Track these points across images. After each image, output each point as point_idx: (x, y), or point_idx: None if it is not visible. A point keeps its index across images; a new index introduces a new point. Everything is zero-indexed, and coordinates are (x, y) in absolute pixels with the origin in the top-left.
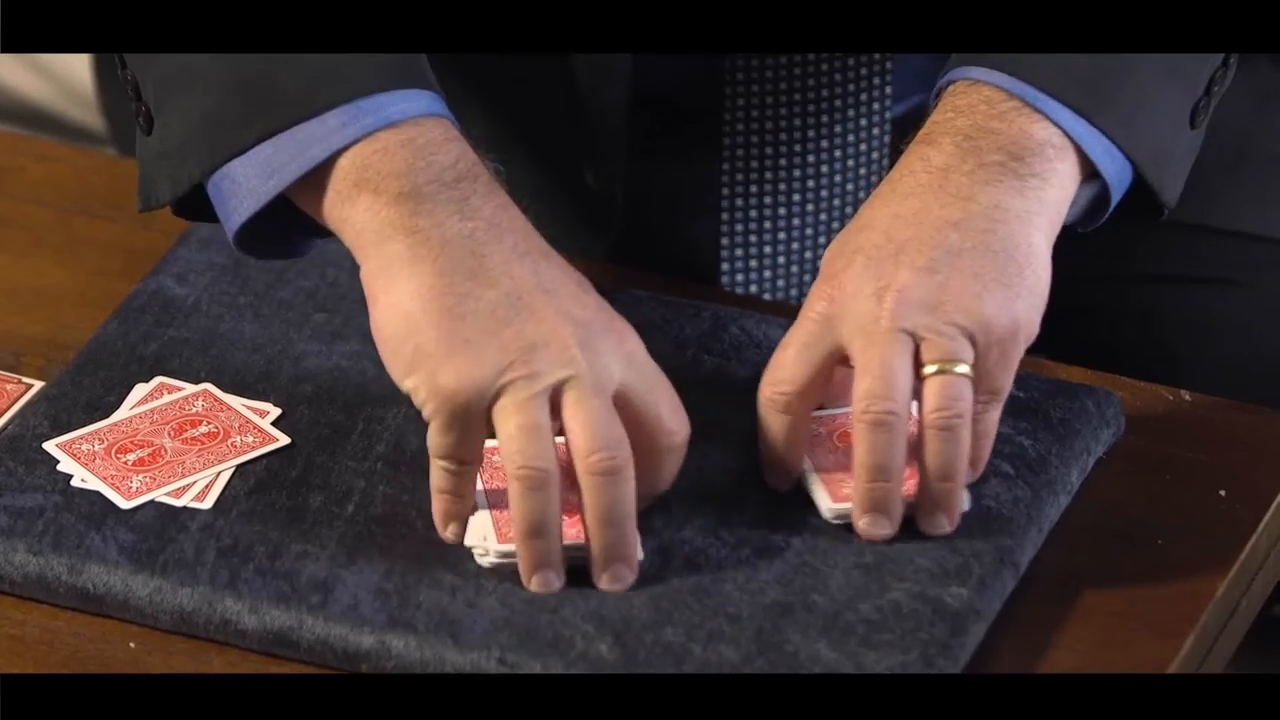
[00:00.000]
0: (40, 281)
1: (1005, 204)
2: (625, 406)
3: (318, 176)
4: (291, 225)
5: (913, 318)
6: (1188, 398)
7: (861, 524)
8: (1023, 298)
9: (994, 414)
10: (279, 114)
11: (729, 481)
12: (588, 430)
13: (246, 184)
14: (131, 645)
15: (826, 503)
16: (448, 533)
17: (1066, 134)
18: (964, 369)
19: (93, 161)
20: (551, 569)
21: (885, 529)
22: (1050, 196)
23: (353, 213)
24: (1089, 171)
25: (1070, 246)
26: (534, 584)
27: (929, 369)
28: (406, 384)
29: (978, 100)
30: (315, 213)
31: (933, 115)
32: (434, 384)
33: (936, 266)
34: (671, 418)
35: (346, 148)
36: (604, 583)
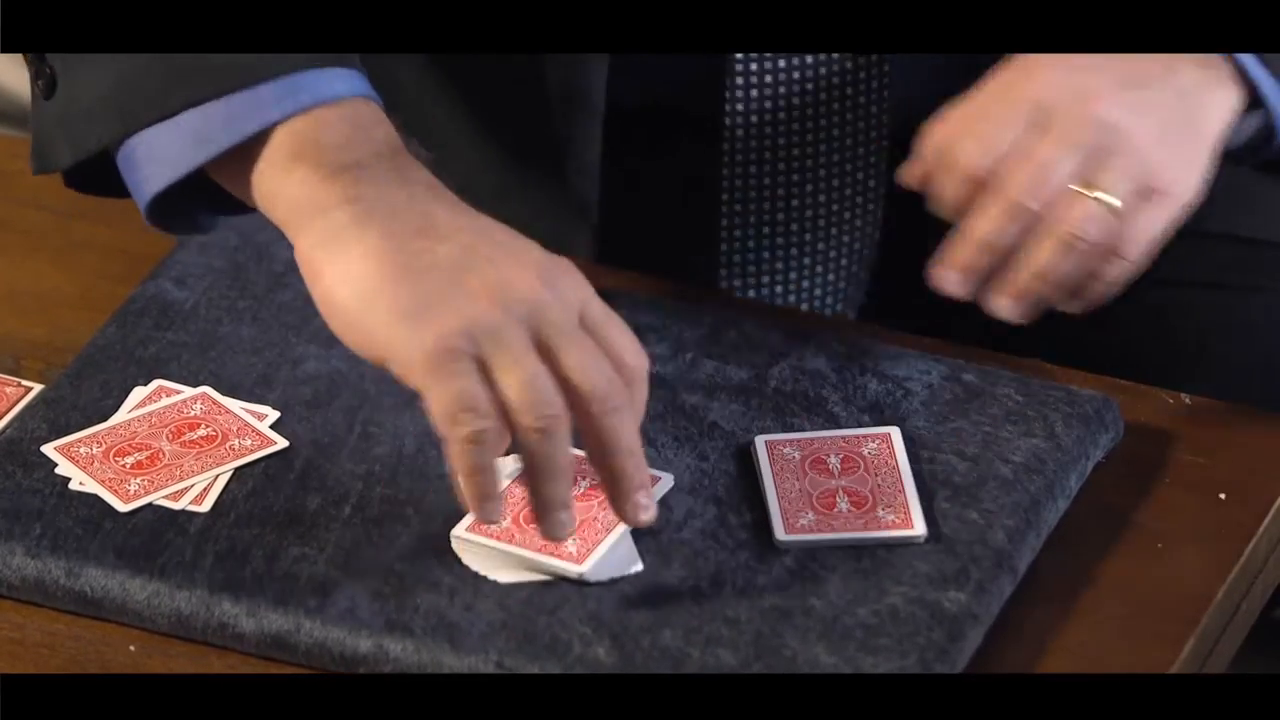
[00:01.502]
0: (39, 285)
1: (1204, 86)
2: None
3: (247, 149)
4: (197, 199)
5: (1103, 135)
6: (1188, 401)
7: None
8: (1198, 174)
9: (1122, 265)
10: (207, 83)
11: (728, 485)
12: (581, 372)
13: (165, 152)
14: (131, 648)
15: (780, 532)
16: (484, 513)
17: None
18: (1116, 203)
19: None
20: (567, 509)
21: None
22: (1228, 102)
23: (286, 186)
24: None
25: None
26: (549, 525)
27: (1085, 191)
28: (379, 353)
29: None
30: (238, 187)
31: None
32: (414, 346)
33: (1139, 103)
34: (629, 349)
35: (281, 121)
36: (630, 513)
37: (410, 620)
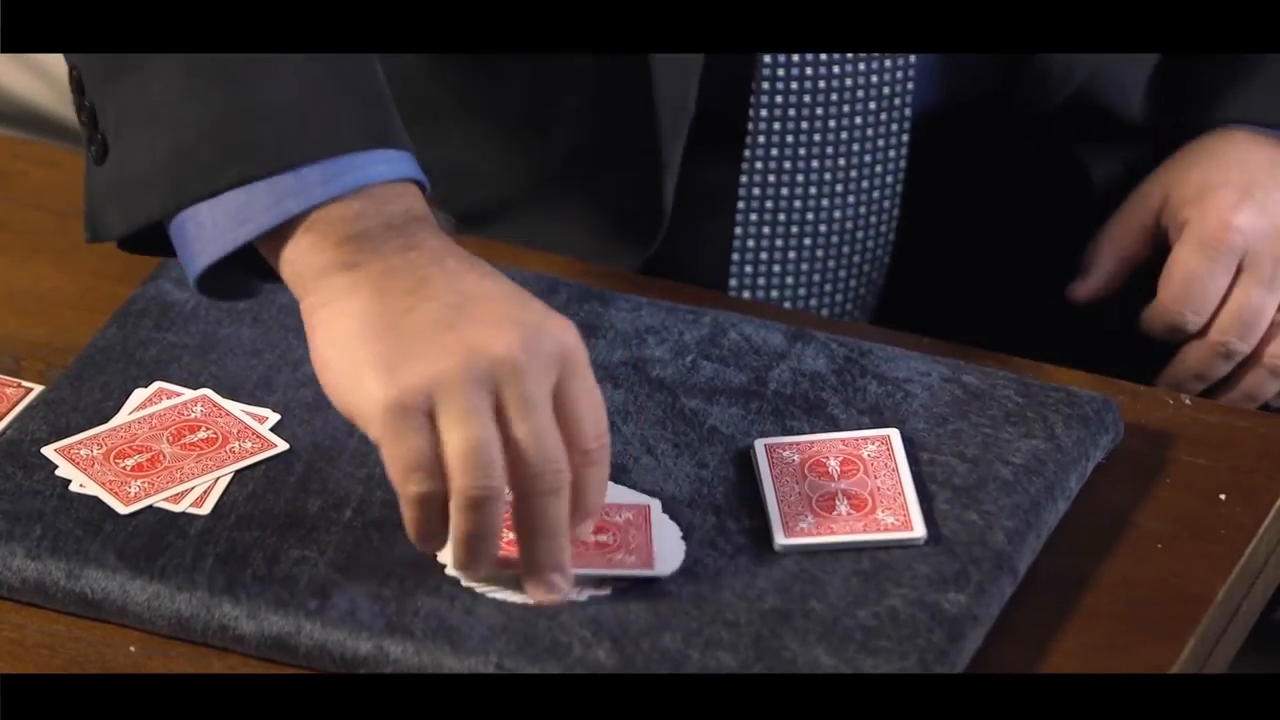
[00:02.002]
0: (40, 286)
1: None
2: (556, 408)
3: (285, 227)
4: (248, 268)
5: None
6: (1188, 401)
7: None
8: None
9: None
10: (255, 162)
11: (727, 491)
12: (524, 446)
13: (214, 229)
14: (132, 649)
15: (780, 536)
16: (424, 548)
17: None
18: None
19: None
20: (484, 567)
21: None
22: None
23: (295, 251)
24: None
25: (1070, 249)
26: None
27: None
28: (349, 408)
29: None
30: (267, 253)
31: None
32: (375, 400)
33: None
34: (590, 431)
35: (322, 205)
36: (535, 589)
37: (410, 623)
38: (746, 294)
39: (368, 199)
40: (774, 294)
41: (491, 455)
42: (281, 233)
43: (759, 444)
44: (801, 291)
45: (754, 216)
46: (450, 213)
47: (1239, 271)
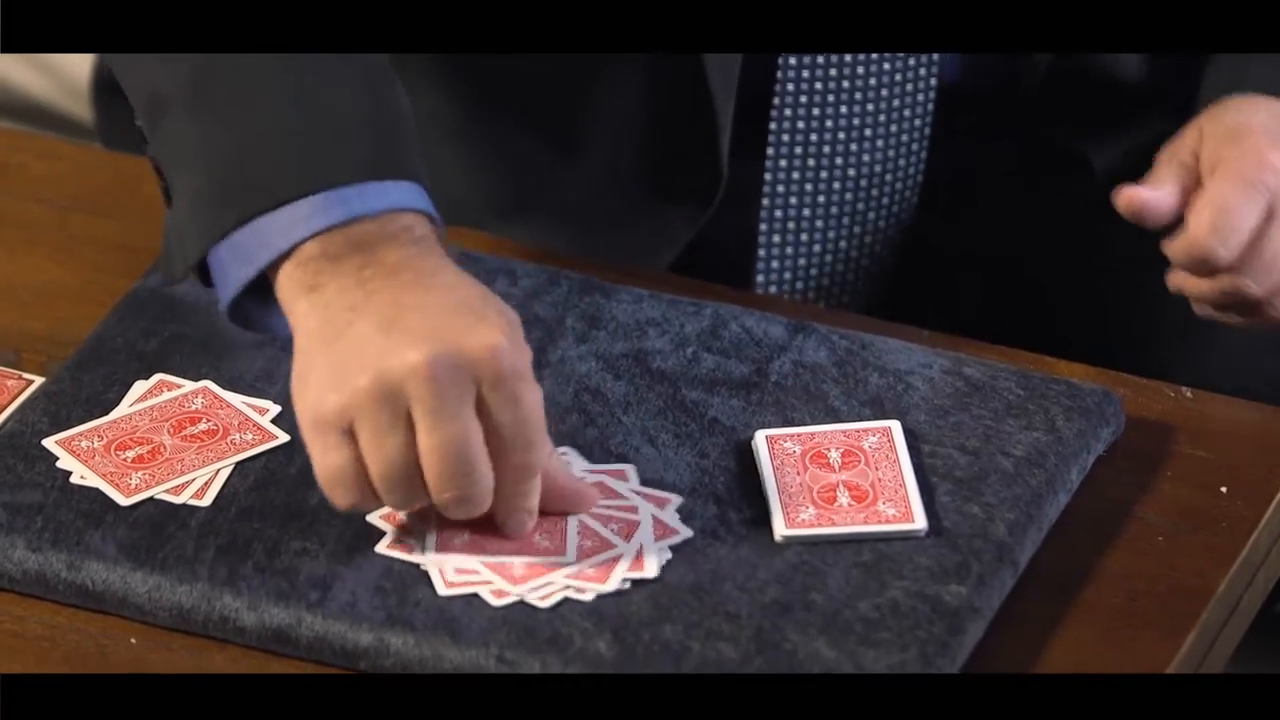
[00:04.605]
0: (40, 278)
1: None
2: (483, 420)
3: (279, 260)
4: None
5: None
6: (1189, 394)
7: None
8: None
9: None
10: (250, 201)
11: (728, 481)
12: (427, 458)
13: (228, 268)
14: (133, 641)
15: (781, 527)
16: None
17: None
18: None
19: (93, 158)
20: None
21: None
22: None
23: (281, 282)
24: None
25: (1074, 242)
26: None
27: None
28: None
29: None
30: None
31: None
32: (301, 417)
33: None
34: (518, 443)
35: (311, 237)
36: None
37: (411, 614)
38: (773, 288)
39: (349, 229)
40: (799, 285)
41: (406, 471)
42: (276, 266)
43: (760, 435)
44: (825, 283)
45: (778, 212)
46: (504, 201)
47: (1270, 215)
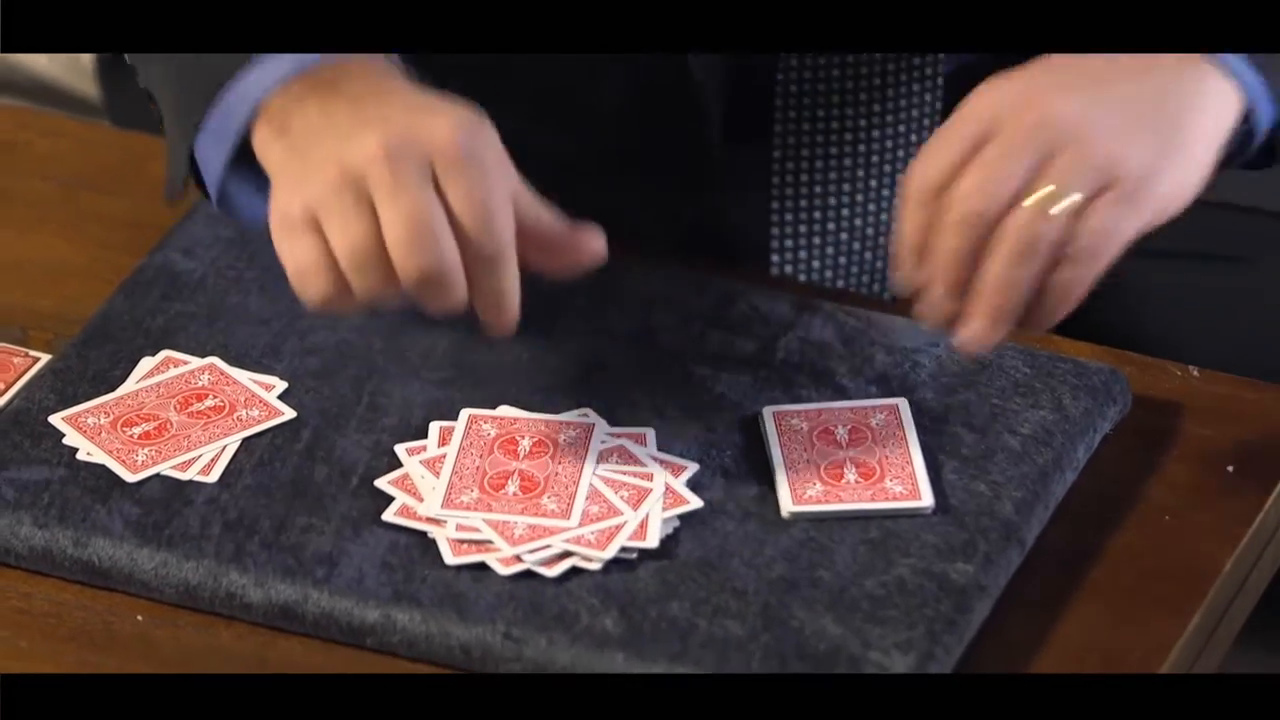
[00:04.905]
0: (46, 256)
1: (1186, 85)
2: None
3: (249, 135)
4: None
5: (1051, 137)
6: (1196, 373)
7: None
8: (1174, 169)
9: (1083, 270)
10: (212, 79)
11: (735, 456)
12: (389, 234)
13: (211, 159)
14: (139, 618)
15: (788, 503)
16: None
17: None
18: (1069, 201)
19: (99, 136)
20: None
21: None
22: (1223, 102)
23: (258, 147)
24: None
25: None
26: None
27: (1026, 202)
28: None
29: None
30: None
31: None
32: (270, 221)
33: (1095, 101)
34: (475, 223)
35: (273, 90)
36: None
37: (418, 591)
38: (789, 268)
39: (308, 75)
40: (815, 264)
41: (373, 253)
42: (250, 132)
43: (767, 411)
44: (843, 260)
45: (789, 191)
46: None
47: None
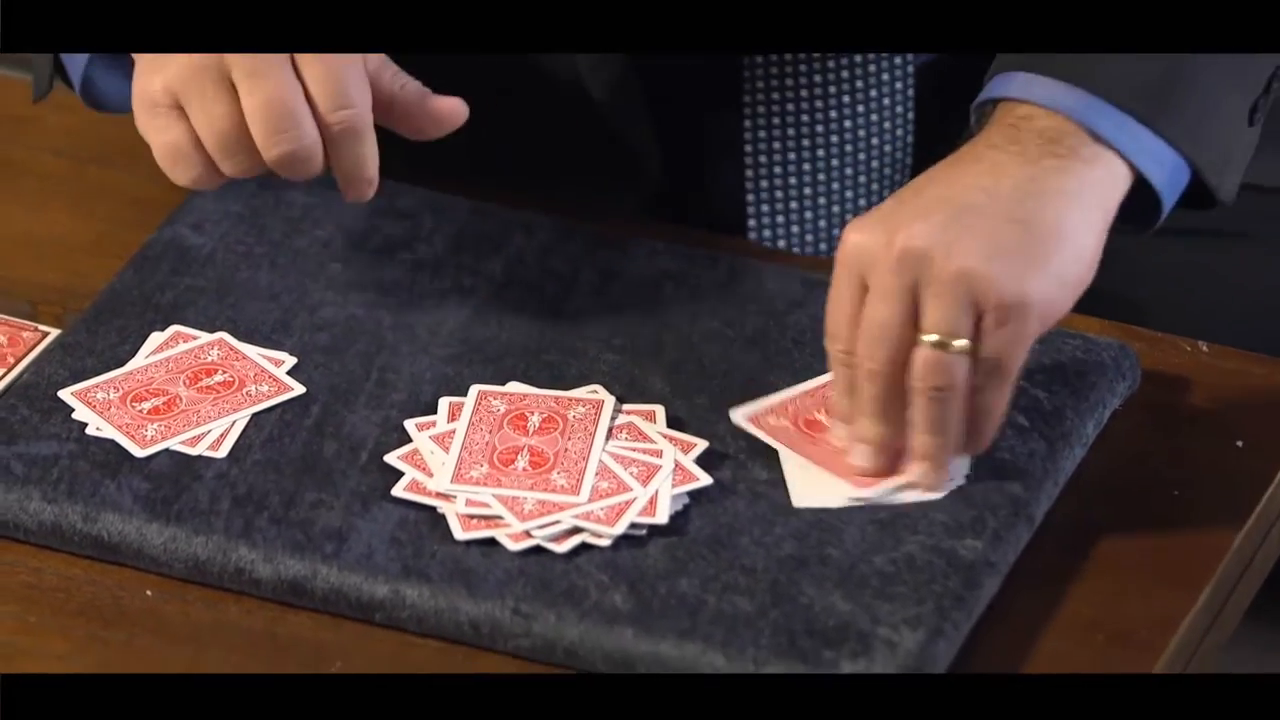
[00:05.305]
0: (56, 231)
1: (1042, 179)
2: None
3: None
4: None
5: (914, 269)
6: (1205, 349)
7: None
8: (1041, 272)
9: (995, 392)
10: None
11: (745, 434)
12: (250, 116)
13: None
14: (148, 593)
15: (848, 490)
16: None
17: (1117, 150)
18: (960, 344)
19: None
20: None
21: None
22: (1096, 176)
23: None
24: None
25: None
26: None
27: (924, 338)
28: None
29: (1031, 132)
30: None
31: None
32: (134, 107)
33: (949, 224)
34: (326, 98)
35: None
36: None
37: (427, 566)
38: (767, 233)
39: None
40: (794, 229)
41: (236, 134)
42: None
43: (740, 419)
44: (823, 224)
45: (763, 159)
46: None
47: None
